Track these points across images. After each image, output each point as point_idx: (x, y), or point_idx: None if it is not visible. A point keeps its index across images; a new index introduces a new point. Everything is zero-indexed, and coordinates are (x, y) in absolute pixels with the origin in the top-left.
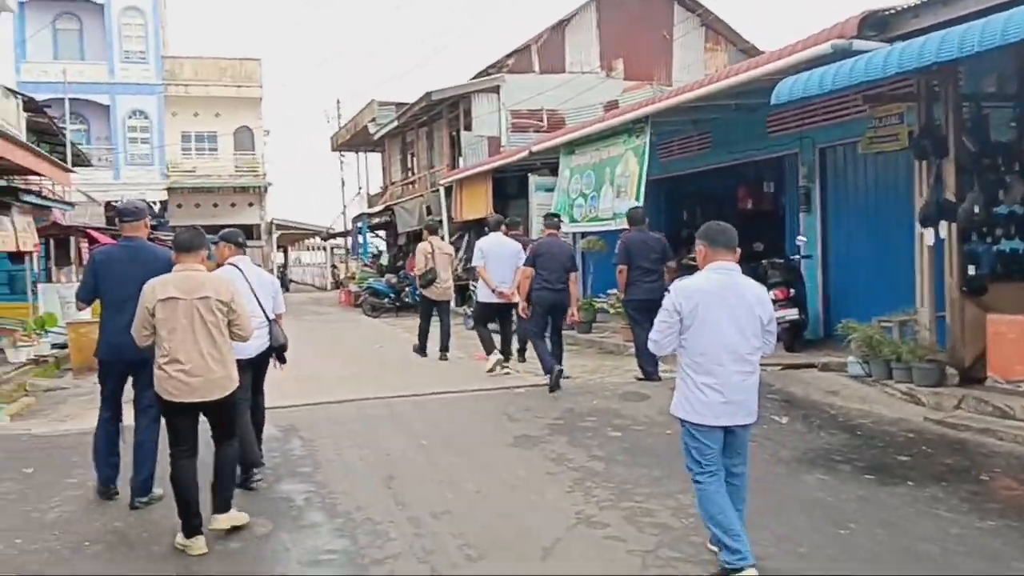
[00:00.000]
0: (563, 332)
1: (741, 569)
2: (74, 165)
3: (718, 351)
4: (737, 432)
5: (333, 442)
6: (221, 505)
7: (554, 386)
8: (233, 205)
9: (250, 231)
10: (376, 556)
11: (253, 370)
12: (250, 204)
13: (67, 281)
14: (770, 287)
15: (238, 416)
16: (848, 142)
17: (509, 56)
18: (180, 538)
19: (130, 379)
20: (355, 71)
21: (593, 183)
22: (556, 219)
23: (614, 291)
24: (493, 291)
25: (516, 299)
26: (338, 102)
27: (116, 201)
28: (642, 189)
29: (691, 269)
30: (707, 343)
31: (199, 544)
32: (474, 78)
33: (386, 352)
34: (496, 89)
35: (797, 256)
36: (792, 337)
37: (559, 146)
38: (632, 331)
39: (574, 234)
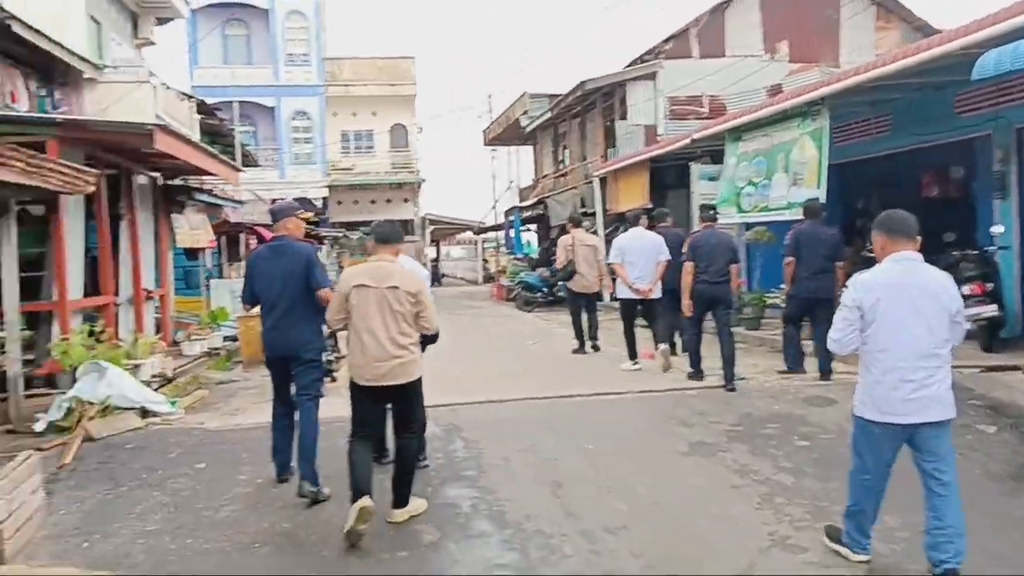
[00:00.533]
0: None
1: (856, 553)
2: (243, 165)
3: (903, 347)
4: (930, 431)
5: (496, 444)
6: (400, 500)
7: (693, 376)
8: (389, 201)
9: (405, 226)
10: (550, 574)
11: None
12: (405, 200)
13: (237, 276)
14: (964, 281)
15: (419, 408)
16: None
17: (666, 41)
18: (350, 520)
19: None
20: (506, 65)
21: (764, 171)
22: (712, 211)
23: (784, 286)
24: (630, 287)
25: (654, 295)
26: (489, 97)
27: (282, 199)
28: (824, 176)
29: (870, 262)
30: (891, 339)
31: (365, 505)
32: (629, 66)
33: (542, 348)
34: (652, 76)
35: (992, 247)
36: (989, 336)
37: (724, 132)
38: (783, 323)
39: (739, 224)
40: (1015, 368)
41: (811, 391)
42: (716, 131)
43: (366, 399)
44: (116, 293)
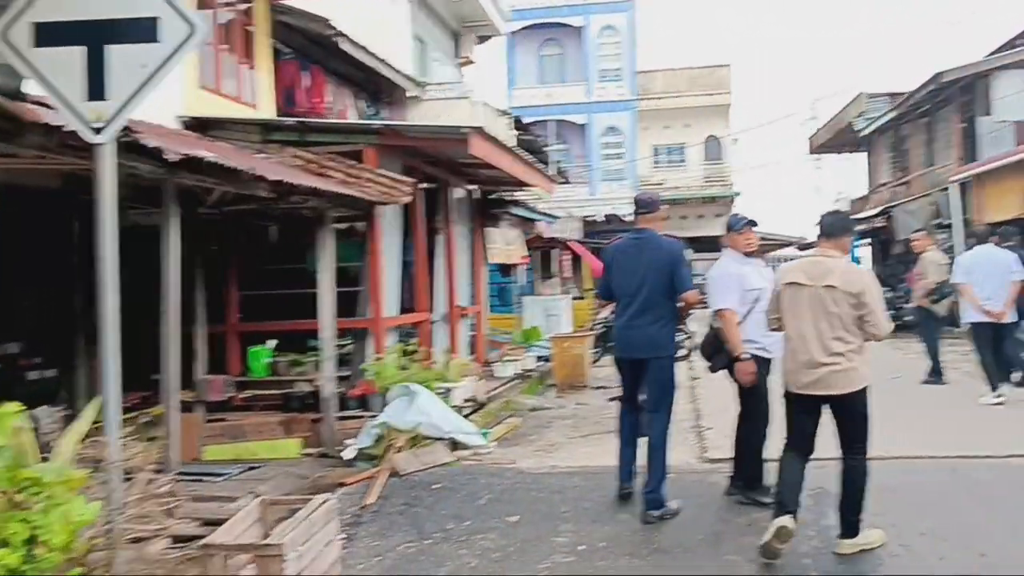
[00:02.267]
0: None
1: None
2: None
3: None
4: None
5: (890, 520)
6: (847, 529)
7: None
8: (701, 216)
9: (718, 243)
10: None
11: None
12: (717, 215)
13: (551, 293)
14: None
15: (866, 424)
16: None
17: None
18: (767, 534)
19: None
20: (834, 68)
21: None
22: None
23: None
24: (980, 310)
25: (1008, 318)
26: (814, 101)
27: (591, 216)
28: None
29: None
30: None
31: (785, 525)
32: (993, 53)
33: (908, 385)
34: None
35: None
36: None
37: None
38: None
39: None
40: None
41: None
42: None
43: (798, 408)
44: (431, 310)
